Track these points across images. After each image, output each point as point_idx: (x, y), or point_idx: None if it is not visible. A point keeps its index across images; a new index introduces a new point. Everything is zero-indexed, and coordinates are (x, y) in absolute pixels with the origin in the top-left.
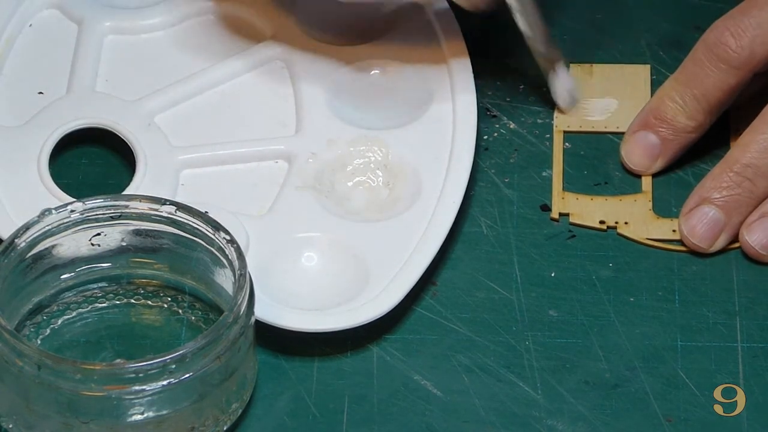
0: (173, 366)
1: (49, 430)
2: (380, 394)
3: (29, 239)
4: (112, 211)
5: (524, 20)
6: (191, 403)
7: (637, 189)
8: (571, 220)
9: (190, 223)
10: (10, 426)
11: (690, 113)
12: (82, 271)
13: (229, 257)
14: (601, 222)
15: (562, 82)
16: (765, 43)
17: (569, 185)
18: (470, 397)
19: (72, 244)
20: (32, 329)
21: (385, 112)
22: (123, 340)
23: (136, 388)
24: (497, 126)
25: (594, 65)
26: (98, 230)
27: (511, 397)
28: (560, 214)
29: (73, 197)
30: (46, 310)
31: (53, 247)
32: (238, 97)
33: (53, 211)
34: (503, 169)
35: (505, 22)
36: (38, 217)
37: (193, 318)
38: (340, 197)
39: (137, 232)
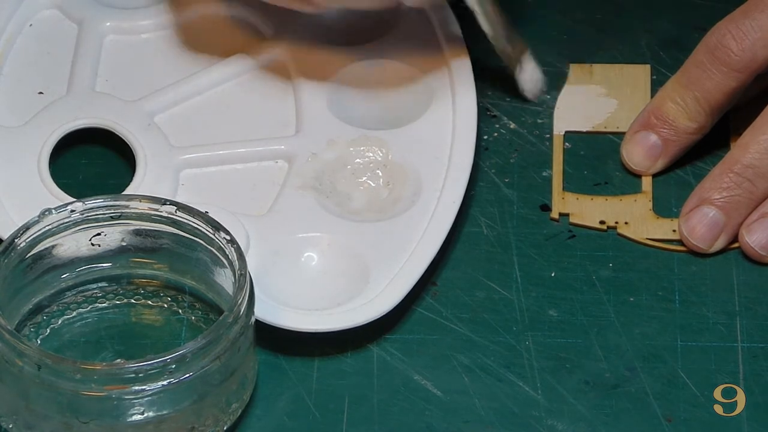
0: (173, 366)
1: (49, 430)
2: (380, 394)
3: (29, 239)
4: (112, 211)
5: (485, 20)
6: (191, 403)
7: (637, 189)
8: (571, 220)
9: (190, 223)
10: (10, 426)
11: (691, 114)
12: (82, 271)
13: (229, 257)
14: (601, 222)
15: (528, 74)
16: (766, 46)
17: (569, 185)
18: (470, 397)
19: (72, 244)
20: (32, 329)
21: (385, 112)
22: (123, 340)
23: (136, 388)
24: (497, 126)
25: (594, 65)
26: (98, 230)
27: (511, 397)
28: (560, 214)
29: (73, 197)
30: (46, 310)
31: (53, 247)
32: (238, 97)
33: (53, 211)
34: (503, 169)
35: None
36: (38, 217)
37: (193, 318)
38: (340, 197)
39: (137, 232)
